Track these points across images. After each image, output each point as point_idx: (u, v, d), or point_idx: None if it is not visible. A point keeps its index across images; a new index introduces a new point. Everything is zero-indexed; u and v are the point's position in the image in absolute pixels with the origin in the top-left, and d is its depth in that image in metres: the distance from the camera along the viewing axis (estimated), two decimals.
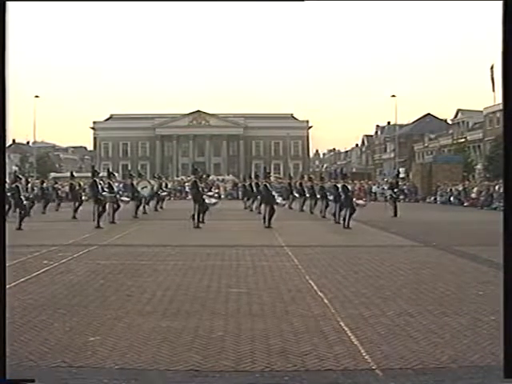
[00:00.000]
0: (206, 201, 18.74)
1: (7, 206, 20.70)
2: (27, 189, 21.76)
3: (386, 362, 4.71)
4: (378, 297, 7.28)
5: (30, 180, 27.65)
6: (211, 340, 5.32)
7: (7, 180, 25.94)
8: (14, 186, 19.24)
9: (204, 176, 21.82)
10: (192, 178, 21.93)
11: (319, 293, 7.53)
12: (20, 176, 21.40)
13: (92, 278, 8.78)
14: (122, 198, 20.84)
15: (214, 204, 19.62)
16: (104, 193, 19.67)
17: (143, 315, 6.31)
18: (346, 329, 5.69)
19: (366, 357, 4.82)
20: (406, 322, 5.96)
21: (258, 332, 5.60)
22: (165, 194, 30.49)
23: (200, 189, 19.05)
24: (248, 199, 29.18)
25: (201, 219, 18.74)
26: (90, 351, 4.98)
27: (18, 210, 18.45)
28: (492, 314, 6.11)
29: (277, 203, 18.77)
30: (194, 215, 18.39)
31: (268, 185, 19.26)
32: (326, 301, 7.02)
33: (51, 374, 4.47)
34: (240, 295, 7.45)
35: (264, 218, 18.47)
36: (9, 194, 22.45)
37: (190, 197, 44.60)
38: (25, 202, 18.53)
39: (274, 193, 19.21)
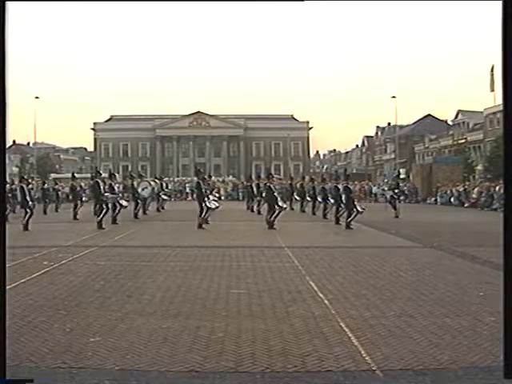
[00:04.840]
0: (207, 204, 18.74)
1: (8, 207, 20.73)
2: (31, 189, 21.78)
3: (387, 363, 4.71)
4: (379, 298, 7.28)
5: (30, 181, 27.63)
6: (212, 341, 5.32)
7: (8, 181, 25.97)
8: (19, 186, 19.28)
9: (206, 177, 21.82)
10: (195, 179, 21.96)
11: (319, 294, 7.53)
12: (25, 177, 21.43)
13: (92, 279, 8.78)
14: (121, 202, 20.75)
15: (215, 208, 19.63)
16: (106, 194, 19.69)
17: (143, 316, 6.31)
18: (347, 330, 5.68)
19: (367, 358, 4.82)
20: (406, 323, 5.96)
21: (259, 333, 5.60)
22: (166, 196, 30.51)
23: (203, 190, 19.05)
24: (253, 200, 28.89)
25: (204, 220, 18.76)
26: (91, 352, 4.98)
27: (23, 210, 18.46)
28: (492, 314, 6.12)
29: (279, 206, 18.72)
30: (200, 215, 18.44)
31: (271, 186, 19.24)
32: (326, 302, 7.02)
33: (51, 374, 4.47)
34: (240, 296, 7.45)
35: (267, 219, 18.44)
36: (9, 194, 22.51)
37: (190, 198, 45.03)
38: (30, 203, 18.55)
39: (276, 195, 19.17)
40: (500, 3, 3.81)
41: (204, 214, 18.68)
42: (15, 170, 65.03)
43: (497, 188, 32.89)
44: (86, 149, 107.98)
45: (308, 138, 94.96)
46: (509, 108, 3.83)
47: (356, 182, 45.46)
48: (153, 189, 26.92)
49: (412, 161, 71.20)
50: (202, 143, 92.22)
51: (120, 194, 22.03)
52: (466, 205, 35.74)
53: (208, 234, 16.88)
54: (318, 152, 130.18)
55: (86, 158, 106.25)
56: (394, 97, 63.42)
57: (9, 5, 3.64)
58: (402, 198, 29.60)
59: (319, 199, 25.54)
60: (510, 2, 3.78)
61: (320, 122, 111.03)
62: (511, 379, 3.91)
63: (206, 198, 18.79)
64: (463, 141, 65.74)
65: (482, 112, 62.99)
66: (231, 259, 11.09)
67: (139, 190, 25.15)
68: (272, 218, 18.32)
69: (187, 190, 49.49)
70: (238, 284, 8.38)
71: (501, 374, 4.08)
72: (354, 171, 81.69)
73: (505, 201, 3.95)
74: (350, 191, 19.41)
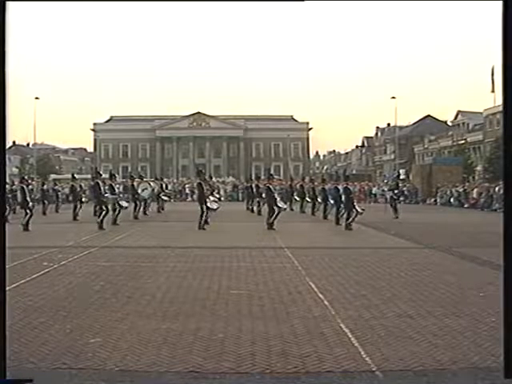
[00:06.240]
0: (208, 205, 18.73)
1: (7, 208, 20.73)
2: (32, 190, 21.77)
3: (387, 363, 4.71)
4: (379, 298, 7.28)
5: (30, 182, 27.61)
6: (211, 342, 5.32)
7: (8, 181, 25.95)
8: (19, 187, 19.27)
9: (207, 178, 21.81)
10: (197, 179, 21.95)
11: (319, 294, 7.53)
12: (26, 177, 21.43)
13: (92, 280, 8.78)
14: (121, 203, 20.70)
15: (216, 209, 19.63)
16: (106, 194, 19.68)
17: (143, 317, 6.31)
18: (347, 330, 5.68)
19: (367, 358, 4.82)
20: (406, 324, 5.96)
21: (259, 334, 5.60)
22: (167, 198, 30.47)
23: (205, 191, 19.03)
24: (253, 201, 28.85)
25: (205, 221, 18.74)
26: (91, 353, 4.98)
27: (23, 210, 18.45)
28: (492, 315, 6.11)
29: (279, 207, 18.71)
30: (201, 216, 18.42)
31: (271, 187, 19.23)
32: (326, 302, 7.01)
33: (51, 375, 4.47)
34: (240, 297, 7.45)
35: (268, 220, 18.42)
36: (9, 195, 22.50)
37: (189, 199, 45.01)
38: (30, 204, 18.54)
39: (276, 195, 19.16)
40: (500, 3, 3.81)
41: (205, 214, 18.66)
42: (15, 170, 65.06)
43: (496, 189, 32.89)
44: (85, 149, 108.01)
45: (308, 138, 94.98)
46: (509, 108, 3.83)
47: (356, 183, 45.44)
48: (153, 190, 26.91)
49: (412, 161, 71.25)
50: (202, 144, 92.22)
51: (120, 195, 21.95)
52: (465, 205, 35.76)
53: (208, 234, 16.87)
54: (317, 153, 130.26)
55: (86, 158, 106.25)
56: (393, 97, 63.41)
57: (9, 5, 3.63)
58: (401, 198, 29.61)
59: (319, 200, 25.58)
60: (510, 2, 3.78)
61: (320, 122, 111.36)
62: (511, 379, 3.91)
63: (206, 199, 18.78)
64: (463, 141, 65.78)
65: (481, 113, 63.04)
66: (231, 260, 11.09)
67: (139, 190, 25.14)
68: (272, 219, 18.32)
69: (187, 190, 49.51)
70: (238, 285, 8.38)
71: (501, 374, 4.07)
72: (354, 172, 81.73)
73: (504, 201, 3.95)
74: (350, 192, 19.41)
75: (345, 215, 18.99)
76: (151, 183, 28.60)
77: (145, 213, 25.19)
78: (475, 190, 36.51)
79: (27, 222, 17.92)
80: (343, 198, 19.21)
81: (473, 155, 62.12)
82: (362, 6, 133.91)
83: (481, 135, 62.88)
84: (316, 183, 28.66)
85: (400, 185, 32.38)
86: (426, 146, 77.40)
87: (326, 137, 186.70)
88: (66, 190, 34.53)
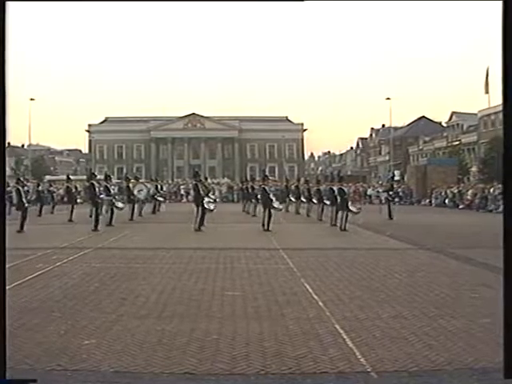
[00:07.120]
0: (205, 206, 18.71)
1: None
2: (27, 191, 21.70)
3: (381, 364, 4.71)
4: (373, 299, 7.29)
5: (26, 183, 27.50)
6: (206, 343, 5.31)
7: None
8: (15, 188, 19.22)
9: (203, 179, 21.80)
10: (193, 181, 21.94)
11: (314, 295, 7.53)
12: (21, 179, 21.39)
13: (87, 281, 8.76)
14: (117, 204, 20.64)
15: (212, 210, 19.61)
16: (101, 196, 19.64)
17: (138, 318, 6.30)
18: (341, 331, 5.69)
19: (361, 359, 4.82)
20: (400, 325, 5.97)
21: (253, 335, 5.60)
22: (162, 198, 30.42)
23: (201, 192, 19.01)
24: (248, 202, 28.82)
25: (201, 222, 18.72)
26: (85, 354, 4.98)
27: (17, 211, 18.40)
28: (487, 316, 6.12)
29: (274, 207, 18.72)
30: (196, 218, 18.38)
31: (266, 188, 19.24)
32: (321, 303, 7.02)
33: (46, 377, 4.46)
34: (235, 298, 7.45)
35: (263, 221, 18.42)
36: (6, 196, 22.38)
37: (185, 200, 44.99)
38: (26, 205, 18.49)
39: (271, 196, 19.16)
40: (500, 3, 3.81)
41: (201, 216, 18.61)
42: (9, 171, 64.90)
43: (491, 190, 32.96)
44: (80, 151, 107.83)
45: (302, 139, 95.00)
46: (509, 108, 3.83)
47: (350, 184, 45.45)
48: (148, 191, 26.88)
49: (406, 162, 71.41)
50: (197, 145, 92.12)
51: (116, 196, 21.88)
52: (460, 206, 35.78)
53: (203, 235, 16.86)
54: (312, 154, 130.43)
55: (81, 159, 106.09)
56: (388, 98, 63.63)
57: (8, 5, 3.62)
58: (396, 199, 29.61)
59: (314, 201, 25.59)
60: (510, 2, 3.77)
61: (314, 123, 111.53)
62: (511, 379, 3.91)
63: (203, 200, 18.75)
64: (457, 142, 65.97)
65: (476, 114, 63.22)
66: (226, 261, 11.08)
67: (135, 192, 25.10)
68: (267, 220, 18.31)
69: (182, 192, 49.51)
70: (233, 286, 8.38)
71: (496, 375, 4.09)
72: (349, 173, 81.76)
73: (504, 202, 3.96)
74: (344, 193, 19.41)
75: (339, 216, 18.99)
76: (147, 184, 28.56)
77: (140, 214, 25.16)
78: (470, 191, 36.56)
79: (22, 223, 17.86)
80: (338, 199, 19.21)
81: (467, 156, 62.29)
82: (357, 7, 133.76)
83: (475, 136, 63.06)
84: (311, 184, 28.67)
85: (395, 186, 32.39)
86: (420, 147, 77.58)
87: (321, 138, 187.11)
88: (61, 191, 34.46)
